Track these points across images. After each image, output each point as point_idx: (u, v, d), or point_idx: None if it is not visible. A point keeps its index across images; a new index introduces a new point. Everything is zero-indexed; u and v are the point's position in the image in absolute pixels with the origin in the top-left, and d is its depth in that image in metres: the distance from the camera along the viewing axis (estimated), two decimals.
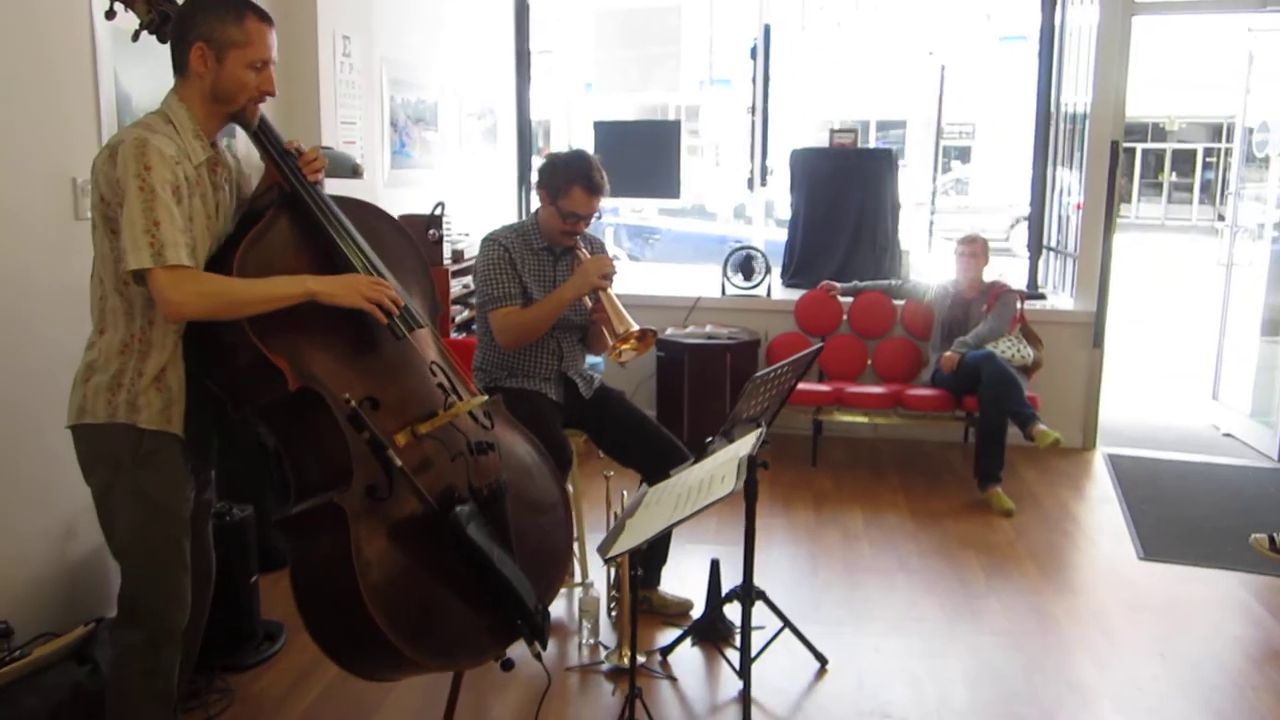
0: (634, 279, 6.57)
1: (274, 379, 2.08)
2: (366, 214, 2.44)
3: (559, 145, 17.33)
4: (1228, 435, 5.82)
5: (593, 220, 3.32)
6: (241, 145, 3.01)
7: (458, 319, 4.77)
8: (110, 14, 2.30)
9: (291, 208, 2.24)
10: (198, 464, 2.26)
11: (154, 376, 2.11)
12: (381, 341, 2.28)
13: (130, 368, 2.10)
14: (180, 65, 2.13)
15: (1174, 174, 23.11)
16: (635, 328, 3.02)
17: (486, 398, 2.55)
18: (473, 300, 4.21)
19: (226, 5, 2.11)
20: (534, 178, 3.40)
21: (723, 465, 2.31)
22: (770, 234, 7.50)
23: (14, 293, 2.76)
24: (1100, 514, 4.51)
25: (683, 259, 10.29)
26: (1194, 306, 10.68)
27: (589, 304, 3.20)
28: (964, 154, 21.82)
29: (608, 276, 3.13)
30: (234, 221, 2.27)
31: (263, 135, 2.24)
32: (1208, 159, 22.62)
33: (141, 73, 3.17)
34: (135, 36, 2.24)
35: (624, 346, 3.05)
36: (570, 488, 3.35)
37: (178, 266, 1.98)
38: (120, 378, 2.10)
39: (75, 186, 2.93)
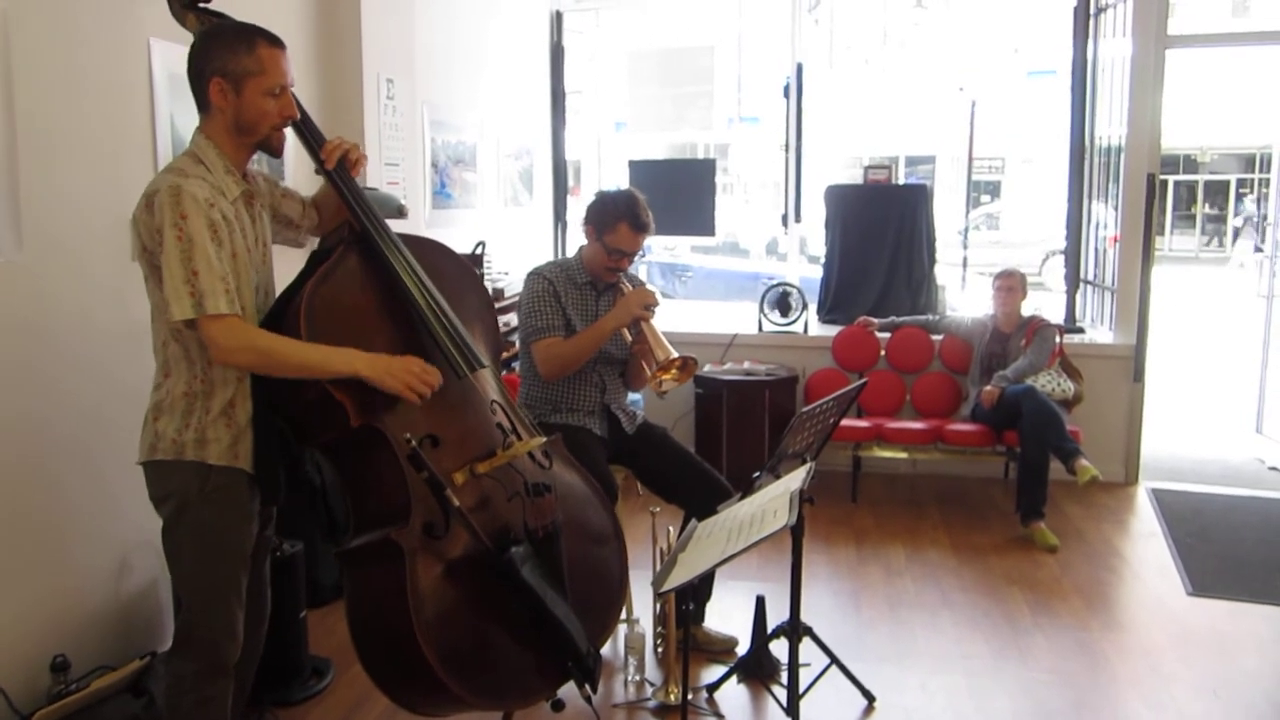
0: (670, 316, 6.58)
1: (337, 415, 2.12)
2: (434, 253, 2.48)
3: (589, 184, 17.46)
4: (1273, 469, 5.75)
5: (637, 257, 3.36)
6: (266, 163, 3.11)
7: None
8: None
9: (360, 246, 2.29)
10: (265, 499, 2.29)
11: (221, 410, 2.15)
12: (444, 380, 2.31)
13: (197, 407, 2.14)
14: (202, 102, 2.17)
15: (1207, 206, 22.94)
16: (676, 355, 3.05)
17: (545, 439, 2.57)
18: (512, 338, 4.25)
19: (237, 35, 2.15)
20: (581, 215, 3.44)
21: (774, 499, 2.32)
22: (803, 270, 7.51)
23: (75, 332, 2.83)
24: (1145, 549, 4.46)
25: (715, 296, 10.31)
26: (1233, 339, 10.56)
27: (629, 337, 3.22)
28: (994, 189, 21.77)
29: (649, 308, 3.16)
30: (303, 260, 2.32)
31: (336, 177, 2.30)
32: (1241, 190, 22.43)
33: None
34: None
35: (665, 376, 3.08)
36: None
37: (218, 315, 2.02)
38: (188, 417, 2.14)
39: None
